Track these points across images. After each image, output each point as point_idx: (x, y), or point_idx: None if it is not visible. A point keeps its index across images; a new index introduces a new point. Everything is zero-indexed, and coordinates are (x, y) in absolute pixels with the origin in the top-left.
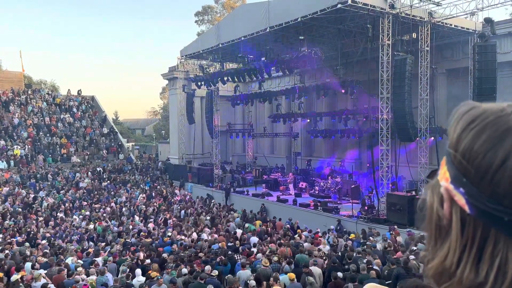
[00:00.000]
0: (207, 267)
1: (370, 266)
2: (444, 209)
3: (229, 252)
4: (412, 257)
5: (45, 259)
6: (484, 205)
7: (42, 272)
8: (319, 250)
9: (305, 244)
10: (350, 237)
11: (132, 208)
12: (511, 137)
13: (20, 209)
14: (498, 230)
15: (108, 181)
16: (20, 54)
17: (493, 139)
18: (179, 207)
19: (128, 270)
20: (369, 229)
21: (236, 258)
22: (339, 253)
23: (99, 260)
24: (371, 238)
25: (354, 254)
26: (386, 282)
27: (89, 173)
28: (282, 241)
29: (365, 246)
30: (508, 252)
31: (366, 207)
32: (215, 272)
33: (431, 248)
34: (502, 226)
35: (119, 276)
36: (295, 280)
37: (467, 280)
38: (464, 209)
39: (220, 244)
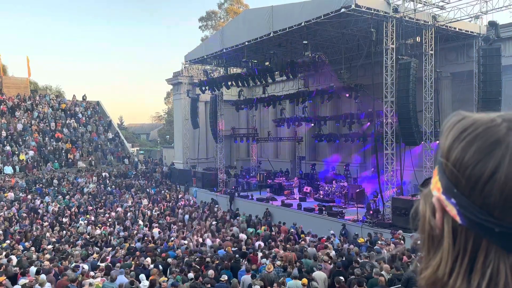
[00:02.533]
0: (210, 272)
1: (377, 271)
2: (436, 219)
3: (237, 256)
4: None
5: (50, 264)
6: (475, 216)
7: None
8: (327, 254)
9: (309, 249)
10: (359, 241)
11: (137, 213)
12: (501, 148)
13: (25, 214)
14: (489, 241)
15: (113, 186)
16: (27, 60)
17: (483, 150)
18: (183, 212)
19: (134, 275)
20: (375, 233)
21: (242, 262)
22: (344, 258)
23: (104, 265)
24: (379, 242)
25: (361, 259)
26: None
27: (94, 178)
28: (287, 245)
29: (372, 251)
30: (499, 263)
31: (371, 212)
32: (225, 277)
33: (424, 258)
34: (493, 237)
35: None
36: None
37: None
38: (456, 220)
39: (226, 249)
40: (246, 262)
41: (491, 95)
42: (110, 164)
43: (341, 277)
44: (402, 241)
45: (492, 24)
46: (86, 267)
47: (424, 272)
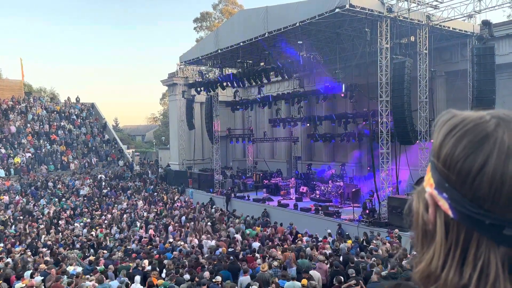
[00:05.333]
0: (206, 273)
1: (372, 270)
2: (429, 214)
3: (231, 258)
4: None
5: (46, 267)
6: (466, 209)
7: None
8: (321, 254)
9: (307, 249)
10: (347, 243)
11: (133, 214)
12: (489, 143)
13: (20, 217)
14: (480, 233)
15: (109, 188)
16: (21, 62)
17: (472, 145)
18: (179, 213)
19: (127, 278)
20: (371, 232)
21: (240, 264)
22: (341, 258)
23: (100, 268)
24: (374, 241)
25: (355, 258)
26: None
27: (90, 180)
28: (286, 246)
29: (367, 251)
30: (490, 255)
31: (367, 211)
32: (218, 278)
33: (418, 252)
34: (483, 230)
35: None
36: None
37: (451, 282)
38: (448, 214)
39: (221, 249)
40: (244, 263)
41: (485, 93)
42: (106, 166)
43: (341, 277)
44: (398, 240)
45: (486, 23)
46: (81, 269)
47: (418, 266)
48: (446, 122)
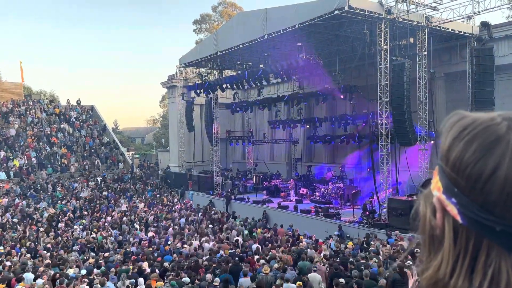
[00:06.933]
0: (208, 276)
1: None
2: (437, 219)
3: (236, 259)
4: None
5: (46, 270)
6: (476, 215)
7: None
8: (320, 255)
9: (308, 251)
10: (348, 245)
11: (133, 217)
12: (501, 146)
13: (19, 220)
14: (490, 240)
15: (109, 191)
16: (21, 64)
17: (483, 148)
18: (179, 216)
19: (128, 281)
20: (371, 234)
21: (242, 266)
22: (340, 259)
23: (100, 270)
24: (372, 243)
25: (356, 259)
26: None
27: (89, 182)
28: (283, 247)
29: (368, 252)
30: (500, 263)
31: (367, 212)
32: (217, 281)
33: (425, 258)
34: (494, 236)
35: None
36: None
37: None
38: (457, 219)
39: (223, 252)
40: (243, 264)
41: (484, 95)
42: (107, 168)
43: (342, 280)
44: (402, 241)
45: (485, 25)
46: (82, 272)
47: (425, 273)
48: (454, 124)
